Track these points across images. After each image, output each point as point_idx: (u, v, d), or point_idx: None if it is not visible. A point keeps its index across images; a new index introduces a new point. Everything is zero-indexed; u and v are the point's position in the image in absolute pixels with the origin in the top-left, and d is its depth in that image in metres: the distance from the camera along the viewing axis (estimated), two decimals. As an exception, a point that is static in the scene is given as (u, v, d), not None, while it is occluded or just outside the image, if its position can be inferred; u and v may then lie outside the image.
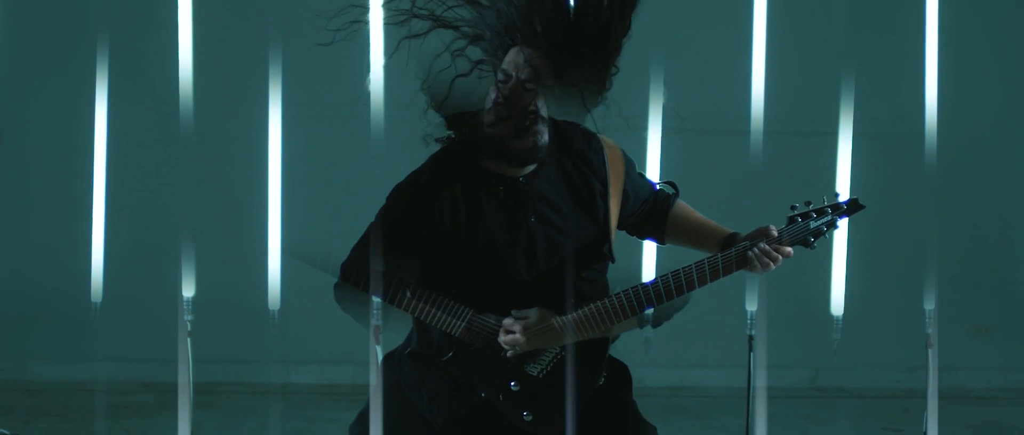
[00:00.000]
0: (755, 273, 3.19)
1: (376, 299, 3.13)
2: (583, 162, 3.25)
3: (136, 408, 5.95)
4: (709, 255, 3.18)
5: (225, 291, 5.14)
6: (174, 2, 3.36)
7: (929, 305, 3.43)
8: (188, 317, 3.44)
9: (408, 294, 3.14)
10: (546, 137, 3.14)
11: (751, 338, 3.59)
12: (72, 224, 4.87)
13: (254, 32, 3.97)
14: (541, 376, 3.20)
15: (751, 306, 3.70)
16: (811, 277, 4.15)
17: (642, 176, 3.40)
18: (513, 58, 3.13)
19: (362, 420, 3.27)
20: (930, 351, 3.43)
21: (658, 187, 3.43)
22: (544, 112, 3.13)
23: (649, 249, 3.64)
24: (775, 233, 3.18)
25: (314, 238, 3.22)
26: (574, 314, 3.15)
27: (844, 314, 6.57)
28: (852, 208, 3.24)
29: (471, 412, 3.22)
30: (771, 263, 3.16)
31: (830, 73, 3.56)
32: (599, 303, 3.15)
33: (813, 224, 3.21)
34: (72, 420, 5.72)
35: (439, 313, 3.15)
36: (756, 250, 3.15)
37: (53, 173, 6.26)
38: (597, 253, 3.25)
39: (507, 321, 3.16)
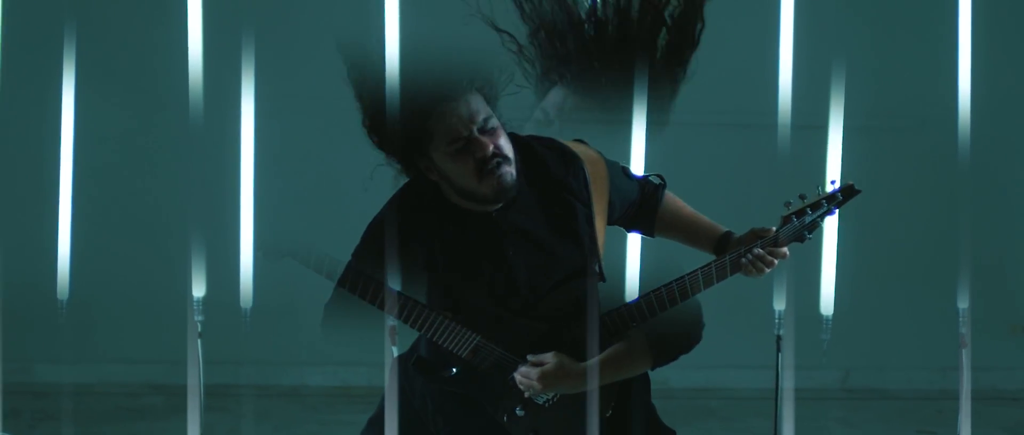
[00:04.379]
0: (750, 277, 3.09)
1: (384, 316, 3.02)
2: (562, 188, 3.11)
3: (145, 411, 5.89)
4: (703, 261, 3.07)
5: (237, 290, 5.09)
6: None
7: (963, 304, 3.35)
8: (198, 318, 3.38)
9: (418, 313, 3.04)
10: (511, 175, 3.02)
11: (779, 338, 3.55)
12: (77, 224, 4.80)
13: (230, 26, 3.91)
14: (548, 405, 3.10)
15: (779, 305, 3.64)
16: (840, 275, 4.05)
17: (628, 175, 3.25)
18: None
19: (372, 426, 3.20)
20: (964, 351, 3.37)
21: (644, 178, 3.28)
22: (507, 151, 3.02)
23: (634, 248, 3.51)
24: (771, 233, 3.06)
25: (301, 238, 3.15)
26: (590, 362, 3.05)
27: (876, 314, 6.48)
28: (847, 195, 3.10)
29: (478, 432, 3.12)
30: (766, 268, 3.06)
31: (822, 66, 3.47)
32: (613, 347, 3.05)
33: (808, 219, 3.08)
34: (79, 424, 5.65)
35: (445, 335, 3.05)
36: (750, 256, 3.04)
37: (43, 172, 6.17)
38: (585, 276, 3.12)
39: (523, 368, 3.06)
